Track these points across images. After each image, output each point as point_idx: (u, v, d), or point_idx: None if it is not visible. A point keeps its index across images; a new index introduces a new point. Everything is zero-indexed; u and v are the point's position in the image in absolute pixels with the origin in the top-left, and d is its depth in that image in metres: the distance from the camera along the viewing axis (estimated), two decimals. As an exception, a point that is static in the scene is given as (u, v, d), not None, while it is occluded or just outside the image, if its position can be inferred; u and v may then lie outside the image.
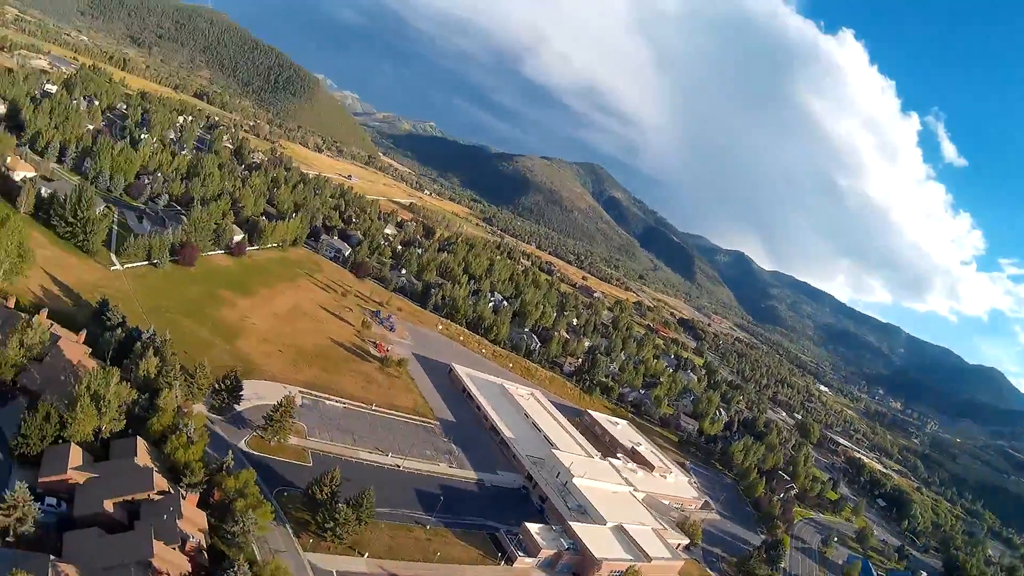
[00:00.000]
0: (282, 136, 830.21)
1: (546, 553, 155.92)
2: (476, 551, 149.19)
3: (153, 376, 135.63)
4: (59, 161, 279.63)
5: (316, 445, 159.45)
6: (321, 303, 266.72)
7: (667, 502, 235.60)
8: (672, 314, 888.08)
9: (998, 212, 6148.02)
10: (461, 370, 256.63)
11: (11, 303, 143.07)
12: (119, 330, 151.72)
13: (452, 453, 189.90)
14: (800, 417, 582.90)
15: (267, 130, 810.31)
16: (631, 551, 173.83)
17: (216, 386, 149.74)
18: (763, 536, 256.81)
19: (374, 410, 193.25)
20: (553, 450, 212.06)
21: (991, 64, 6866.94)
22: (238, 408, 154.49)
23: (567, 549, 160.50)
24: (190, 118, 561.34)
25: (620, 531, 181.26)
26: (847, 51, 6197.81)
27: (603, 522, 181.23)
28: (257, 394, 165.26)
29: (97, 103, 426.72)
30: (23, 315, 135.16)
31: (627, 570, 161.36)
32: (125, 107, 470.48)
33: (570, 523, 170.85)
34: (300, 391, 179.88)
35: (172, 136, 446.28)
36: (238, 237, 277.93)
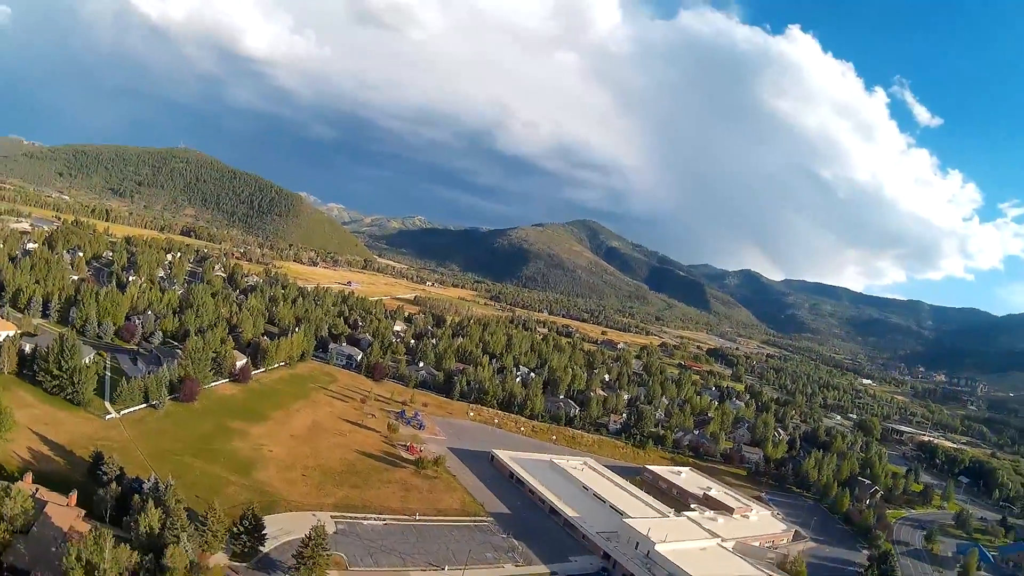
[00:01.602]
0: (275, 257, 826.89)
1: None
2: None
3: (157, 531, 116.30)
4: (44, 315, 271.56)
5: (360, 575, 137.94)
6: (341, 415, 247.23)
7: (757, 543, 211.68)
8: (699, 347, 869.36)
9: (985, 160, 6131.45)
10: (504, 455, 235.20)
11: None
12: (114, 484, 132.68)
13: (515, 549, 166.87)
14: (855, 417, 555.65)
15: (259, 253, 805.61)
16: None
17: (235, 529, 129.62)
18: (866, 551, 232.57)
19: (418, 520, 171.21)
20: (624, 520, 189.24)
21: (938, 18, 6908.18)
22: (264, 550, 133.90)
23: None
24: (179, 254, 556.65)
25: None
26: (798, 46, 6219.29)
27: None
28: (284, 529, 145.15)
29: (81, 254, 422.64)
30: (2, 484, 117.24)
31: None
32: (111, 254, 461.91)
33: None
34: (332, 516, 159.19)
35: (161, 274, 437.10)
36: (241, 362, 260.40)
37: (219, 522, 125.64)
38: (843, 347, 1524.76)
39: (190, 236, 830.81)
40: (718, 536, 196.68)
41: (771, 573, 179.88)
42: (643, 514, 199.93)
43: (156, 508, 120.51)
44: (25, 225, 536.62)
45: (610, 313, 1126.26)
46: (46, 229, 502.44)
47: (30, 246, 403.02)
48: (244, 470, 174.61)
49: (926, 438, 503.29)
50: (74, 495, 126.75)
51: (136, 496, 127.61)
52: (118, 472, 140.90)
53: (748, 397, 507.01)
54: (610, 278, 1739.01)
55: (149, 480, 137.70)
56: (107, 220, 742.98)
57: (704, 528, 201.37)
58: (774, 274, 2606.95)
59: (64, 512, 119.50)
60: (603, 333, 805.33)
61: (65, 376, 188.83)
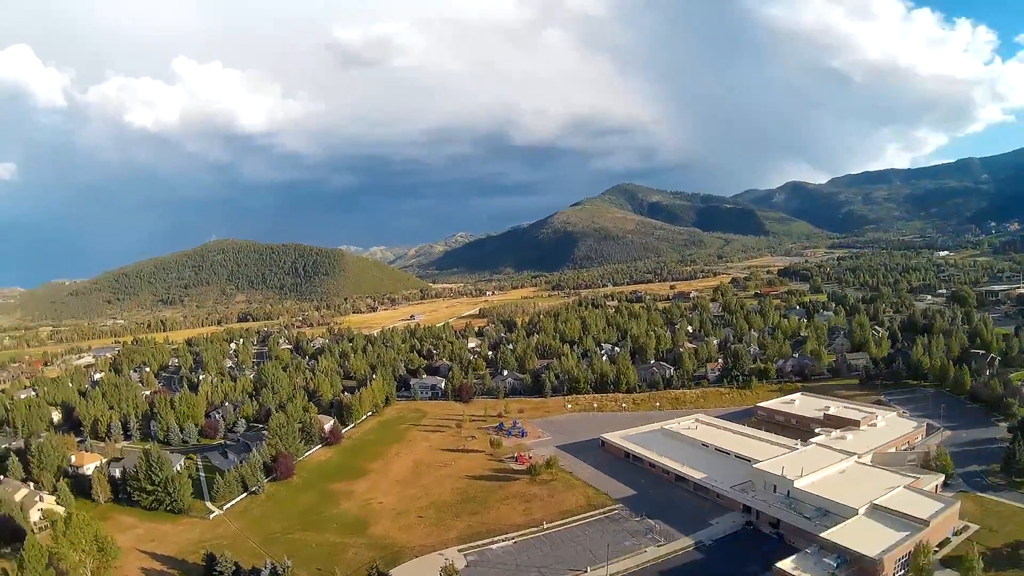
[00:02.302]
0: (333, 315, 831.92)
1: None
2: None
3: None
4: (126, 437, 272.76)
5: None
6: (440, 446, 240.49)
7: (893, 449, 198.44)
8: (768, 272, 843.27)
9: None
10: (613, 436, 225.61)
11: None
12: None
13: (653, 529, 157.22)
14: (944, 292, 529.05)
15: (317, 316, 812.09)
16: (903, 526, 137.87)
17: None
18: (1003, 423, 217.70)
19: (547, 528, 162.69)
20: (755, 466, 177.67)
21: None
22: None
23: (836, 567, 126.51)
24: (241, 340, 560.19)
25: (877, 511, 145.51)
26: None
27: (853, 512, 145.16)
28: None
29: (148, 369, 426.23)
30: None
31: (916, 549, 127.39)
32: (176, 360, 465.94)
33: (822, 536, 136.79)
34: (459, 550, 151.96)
35: (230, 364, 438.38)
36: (328, 424, 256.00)
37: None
38: (908, 227, 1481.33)
39: (247, 320, 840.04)
40: (853, 453, 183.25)
41: (916, 476, 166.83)
42: (770, 455, 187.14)
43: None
44: (88, 358, 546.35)
45: (672, 266, 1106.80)
46: (109, 356, 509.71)
47: (97, 376, 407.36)
48: (359, 529, 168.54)
49: (1021, 290, 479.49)
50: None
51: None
52: (234, 568, 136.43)
53: (834, 305, 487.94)
54: (661, 232, 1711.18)
55: (266, 567, 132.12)
56: (164, 330, 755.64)
57: (836, 450, 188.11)
58: (819, 178, 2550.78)
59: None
60: (671, 288, 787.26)
61: (160, 489, 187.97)
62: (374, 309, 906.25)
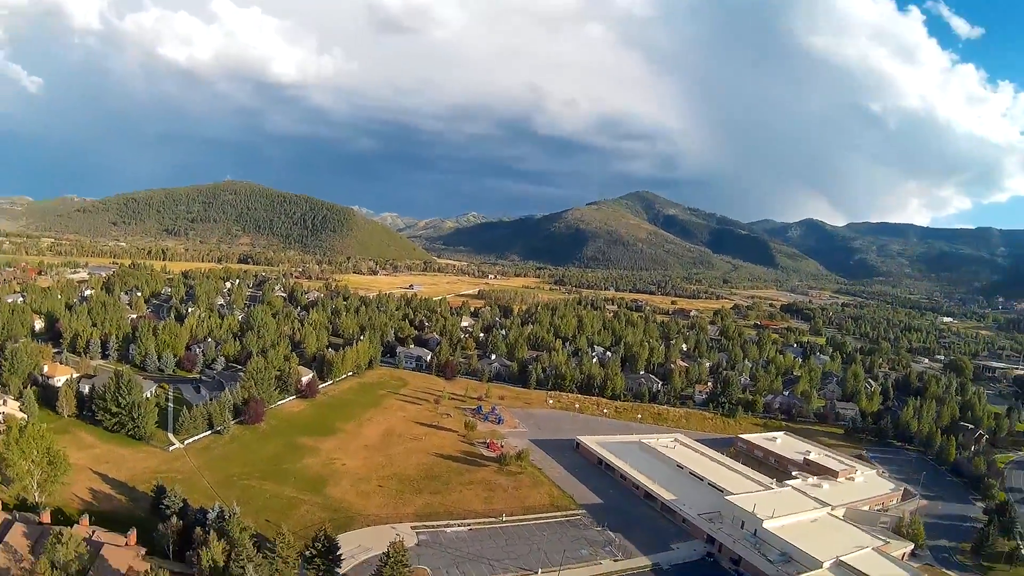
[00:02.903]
0: (333, 271, 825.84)
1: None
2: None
3: (222, 564, 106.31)
4: (104, 356, 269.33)
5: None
6: (415, 418, 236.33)
7: (867, 507, 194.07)
8: (771, 305, 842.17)
9: None
10: (589, 440, 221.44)
11: (44, 518, 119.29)
12: (175, 519, 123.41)
13: (612, 542, 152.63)
14: (942, 358, 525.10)
15: (317, 270, 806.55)
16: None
17: (307, 552, 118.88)
18: (979, 503, 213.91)
19: (505, 522, 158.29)
20: (726, 497, 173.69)
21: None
22: (341, 571, 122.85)
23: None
24: (237, 281, 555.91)
25: (841, 567, 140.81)
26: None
27: (818, 564, 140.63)
28: (362, 546, 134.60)
29: (140, 294, 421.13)
30: (55, 529, 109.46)
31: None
32: (169, 290, 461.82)
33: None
34: (412, 527, 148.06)
35: (221, 302, 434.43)
36: (306, 377, 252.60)
37: (289, 547, 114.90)
38: (917, 286, 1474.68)
39: (247, 263, 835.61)
40: (827, 504, 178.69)
41: (887, 540, 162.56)
42: (744, 489, 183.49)
43: (219, 539, 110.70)
44: (83, 274, 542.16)
45: (676, 282, 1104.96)
46: (103, 276, 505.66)
47: (87, 292, 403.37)
48: (316, 488, 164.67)
49: (1019, 371, 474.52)
50: (133, 533, 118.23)
51: (198, 529, 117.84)
52: (181, 504, 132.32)
53: (831, 350, 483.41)
54: (671, 246, 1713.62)
55: (213, 510, 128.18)
56: (164, 259, 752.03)
57: (810, 497, 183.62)
58: (836, 219, 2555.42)
59: (122, 553, 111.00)
60: (673, 303, 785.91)
61: (124, 412, 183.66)
62: (375, 272, 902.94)
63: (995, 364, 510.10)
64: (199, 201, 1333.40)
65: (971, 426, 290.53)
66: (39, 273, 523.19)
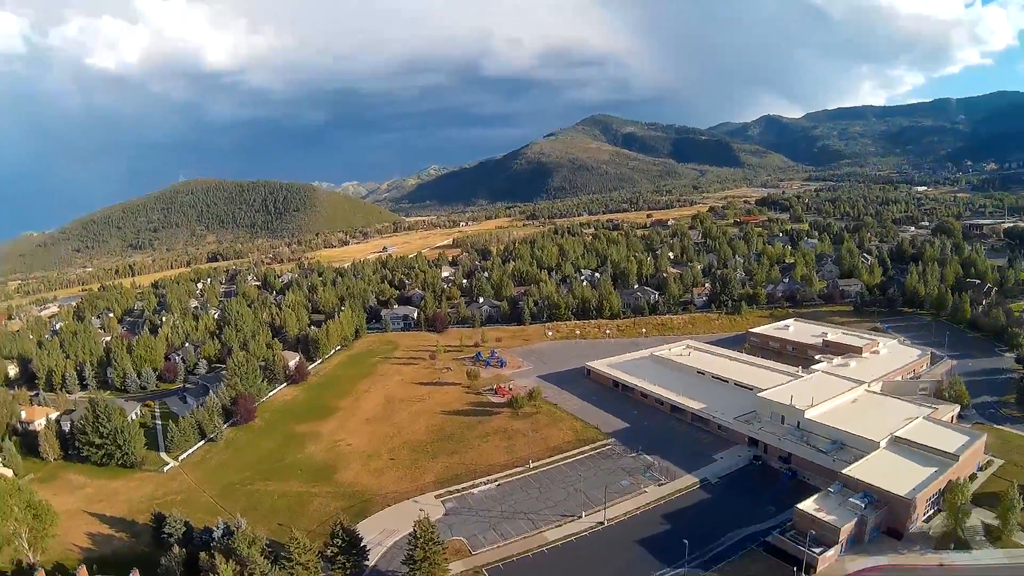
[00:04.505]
0: (304, 250, 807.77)
1: (846, 530, 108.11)
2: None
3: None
4: (83, 387, 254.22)
5: (488, 556, 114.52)
6: (413, 379, 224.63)
7: (900, 378, 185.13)
8: (746, 202, 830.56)
9: None
10: (599, 364, 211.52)
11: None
12: (176, 547, 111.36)
13: (652, 466, 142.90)
14: (928, 223, 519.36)
15: (288, 252, 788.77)
16: (931, 461, 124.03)
17: (328, 551, 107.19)
18: (1008, 354, 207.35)
19: (534, 468, 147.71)
20: (758, 394, 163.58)
21: None
22: (370, 563, 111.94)
23: (864, 508, 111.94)
24: (208, 280, 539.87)
25: (899, 444, 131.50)
26: None
27: (874, 445, 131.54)
28: (387, 529, 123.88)
29: (112, 315, 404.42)
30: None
31: (947, 487, 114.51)
32: (140, 305, 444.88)
33: (844, 473, 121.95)
34: (436, 496, 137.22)
35: (195, 304, 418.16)
36: (293, 361, 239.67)
37: (306, 551, 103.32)
38: (884, 163, 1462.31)
39: (217, 260, 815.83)
40: (862, 381, 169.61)
41: (934, 406, 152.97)
42: (773, 383, 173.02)
43: (228, 561, 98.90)
44: (52, 308, 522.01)
45: (647, 196, 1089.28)
46: (73, 305, 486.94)
47: (58, 325, 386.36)
48: (325, 476, 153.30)
49: (1006, 225, 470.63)
50: (135, 574, 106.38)
51: (203, 554, 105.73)
52: (183, 529, 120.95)
53: (817, 233, 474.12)
54: (636, 163, 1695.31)
55: (218, 527, 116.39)
56: (132, 275, 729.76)
57: (842, 377, 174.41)
58: (794, 112, 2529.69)
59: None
60: (648, 216, 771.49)
61: (109, 441, 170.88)
62: (346, 243, 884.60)
63: (981, 221, 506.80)
64: (157, 209, 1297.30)
65: (978, 281, 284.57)
66: (9, 318, 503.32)
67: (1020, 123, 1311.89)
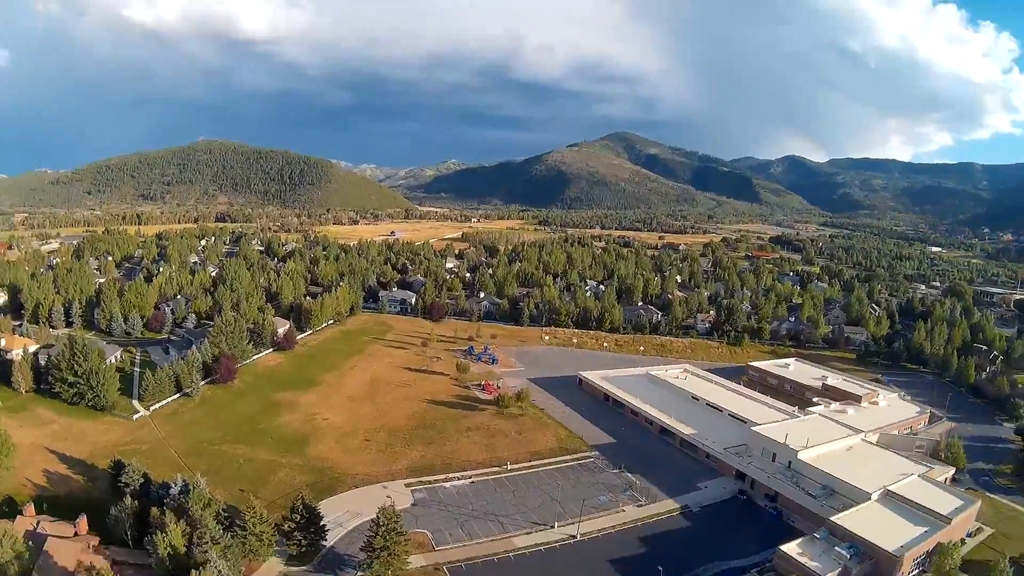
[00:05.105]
0: (313, 223, 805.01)
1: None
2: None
3: (183, 550, 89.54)
4: (68, 324, 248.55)
5: (452, 554, 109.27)
6: (402, 364, 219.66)
7: (895, 432, 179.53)
8: (759, 238, 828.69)
9: (1017, 4, 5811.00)
10: (593, 376, 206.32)
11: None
12: (129, 498, 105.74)
13: (633, 486, 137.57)
14: (939, 284, 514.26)
15: (296, 223, 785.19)
16: (922, 520, 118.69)
17: (286, 525, 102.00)
18: (1007, 424, 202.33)
19: (511, 470, 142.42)
20: (752, 428, 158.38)
21: None
22: (328, 543, 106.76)
23: (849, 558, 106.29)
24: (212, 239, 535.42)
25: (891, 499, 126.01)
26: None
27: (866, 496, 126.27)
28: (351, 511, 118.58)
29: (111, 258, 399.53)
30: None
31: (935, 548, 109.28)
32: (140, 252, 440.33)
33: (832, 520, 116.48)
34: (407, 484, 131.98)
35: (195, 259, 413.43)
36: (283, 328, 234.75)
37: (262, 522, 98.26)
38: (901, 219, 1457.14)
39: (225, 221, 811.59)
40: (859, 430, 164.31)
41: (929, 465, 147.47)
42: (768, 418, 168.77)
43: (179, 520, 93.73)
44: (53, 245, 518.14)
45: (661, 219, 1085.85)
46: (75, 244, 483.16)
47: (55, 261, 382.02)
48: (296, 447, 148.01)
49: (1018, 296, 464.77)
50: (83, 520, 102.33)
51: (154, 509, 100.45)
52: (141, 480, 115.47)
53: (828, 278, 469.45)
54: (654, 185, 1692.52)
55: (176, 484, 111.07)
56: (139, 224, 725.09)
57: (839, 423, 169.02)
58: (818, 156, 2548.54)
59: (68, 546, 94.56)
60: (660, 238, 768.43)
61: (82, 381, 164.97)
62: (355, 223, 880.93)
63: (993, 289, 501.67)
64: (174, 164, 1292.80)
65: (984, 347, 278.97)
66: (9, 248, 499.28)
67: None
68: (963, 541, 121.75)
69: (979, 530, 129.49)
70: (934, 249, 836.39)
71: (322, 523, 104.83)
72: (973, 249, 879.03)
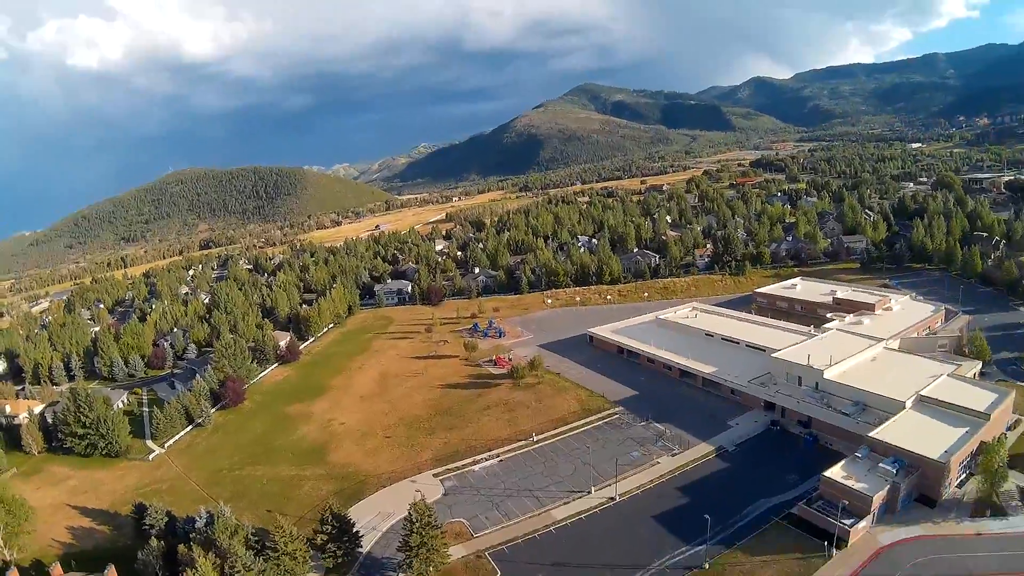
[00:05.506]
0: (297, 232, 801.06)
1: (878, 499, 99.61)
2: (790, 558, 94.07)
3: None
4: (70, 378, 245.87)
5: (491, 538, 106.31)
6: (409, 354, 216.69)
7: (915, 334, 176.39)
8: (740, 164, 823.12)
9: None
10: (602, 330, 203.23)
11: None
12: (155, 539, 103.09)
13: (663, 435, 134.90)
14: (926, 179, 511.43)
15: (280, 235, 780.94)
16: (960, 421, 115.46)
17: (318, 539, 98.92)
18: (1022, 308, 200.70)
19: (537, 441, 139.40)
20: (772, 355, 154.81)
21: None
22: (364, 550, 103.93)
23: (896, 474, 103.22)
24: (199, 267, 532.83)
25: (925, 404, 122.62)
26: None
27: (900, 406, 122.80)
28: (383, 512, 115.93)
29: (102, 306, 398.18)
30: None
31: (979, 448, 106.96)
32: (131, 294, 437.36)
33: (872, 436, 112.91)
34: (434, 474, 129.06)
35: (185, 290, 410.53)
36: (284, 341, 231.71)
37: (292, 540, 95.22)
38: (876, 121, 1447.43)
39: (209, 248, 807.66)
40: (880, 339, 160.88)
41: (956, 363, 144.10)
42: (786, 343, 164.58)
43: (207, 554, 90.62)
44: (43, 304, 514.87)
45: (640, 163, 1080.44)
46: (65, 298, 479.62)
47: (48, 320, 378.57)
48: (316, 458, 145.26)
49: (1006, 178, 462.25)
50: (111, 571, 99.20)
51: (181, 547, 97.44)
52: (165, 519, 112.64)
53: (816, 192, 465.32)
54: (626, 131, 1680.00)
55: (200, 517, 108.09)
56: (124, 267, 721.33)
57: (858, 335, 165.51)
58: (783, 73, 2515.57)
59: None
60: (642, 182, 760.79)
61: (92, 431, 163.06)
62: (338, 224, 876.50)
63: (981, 176, 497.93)
64: (148, 201, 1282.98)
65: (985, 235, 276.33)
66: (0, 316, 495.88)
67: (1010, 76, 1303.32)
68: (1004, 435, 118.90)
69: (1018, 421, 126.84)
70: (914, 145, 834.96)
71: (355, 530, 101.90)
72: (953, 139, 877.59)
